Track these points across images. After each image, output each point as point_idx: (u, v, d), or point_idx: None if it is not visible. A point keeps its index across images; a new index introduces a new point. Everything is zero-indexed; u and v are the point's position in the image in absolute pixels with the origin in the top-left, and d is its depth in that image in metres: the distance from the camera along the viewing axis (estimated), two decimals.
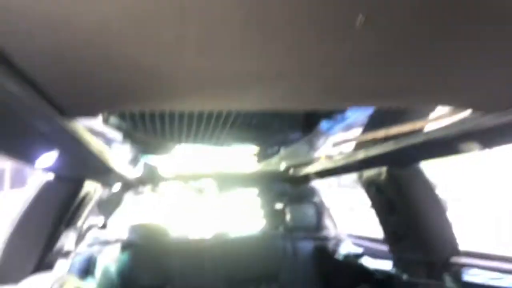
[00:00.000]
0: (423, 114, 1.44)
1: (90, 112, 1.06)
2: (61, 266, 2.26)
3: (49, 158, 1.32)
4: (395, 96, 1.07)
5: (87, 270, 2.05)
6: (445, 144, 1.56)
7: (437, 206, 2.15)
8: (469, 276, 1.83)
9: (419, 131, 1.57)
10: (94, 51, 0.68)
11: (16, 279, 1.47)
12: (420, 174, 2.10)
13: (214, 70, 0.74)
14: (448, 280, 1.91)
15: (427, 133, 1.54)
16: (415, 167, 2.07)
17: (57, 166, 1.55)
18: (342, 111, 1.64)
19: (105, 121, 1.36)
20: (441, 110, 1.36)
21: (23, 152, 1.22)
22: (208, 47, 0.64)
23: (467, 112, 1.30)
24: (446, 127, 1.43)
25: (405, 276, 2.15)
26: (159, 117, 1.52)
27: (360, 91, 0.98)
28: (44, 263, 1.92)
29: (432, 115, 1.42)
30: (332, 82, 0.86)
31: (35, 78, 0.79)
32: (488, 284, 1.69)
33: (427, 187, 2.12)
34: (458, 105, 1.21)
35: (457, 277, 1.88)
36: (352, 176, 2.72)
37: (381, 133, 1.57)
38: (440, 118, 1.38)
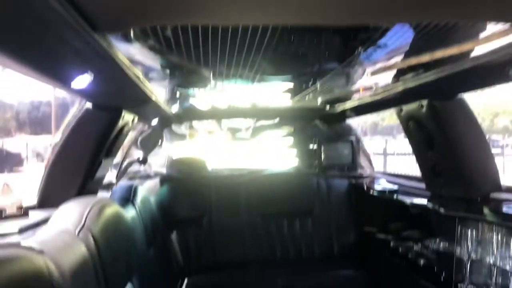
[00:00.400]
0: (471, 36, 1.34)
1: (121, 25, 1.04)
2: (102, 195, 2.36)
3: (85, 80, 1.33)
4: (442, 9, 0.99)
5: (127, 199, 2.11)
6: (495, 71, 1.46)
7: (480, 140, 2.07)
8: (510, 209, 1.78)
9: (466, 57, 1.47)
10: None
11: (59, 205, 1.53)
12: (463, 106, 2.00)
13: None
14: (487, 213, 1.86)
15: (475, 58, 1.45)
16: (459, 99, 1.98)
17: (94, 92, 1.57)
18: (380, 37, 1.55)
19: (138, 39, 1.34)
20: (492, 29, 1.26)
21: (59, 72, 1.22)
22: None
23: None
24: (496, 51, 1.34)
25: (442, 210, 2.11)
26: (193, 44, 1.49)
27: (403, 1, 0.91)
28: (85, 191, 2.00)
29: (483, 36, 1.32)
30: None
31: None
32: None
33: (470, 120, 2.03)
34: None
35: (497, 211, 1.83)
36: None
37: (425, 57, 1.48)
38: (491, 39, 1.29)
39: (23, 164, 21.51)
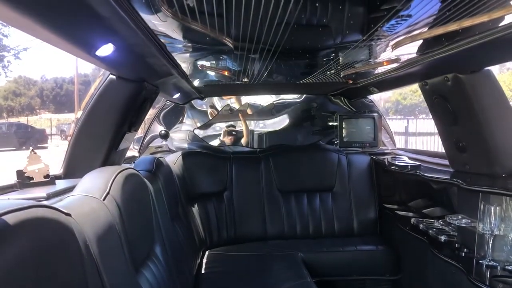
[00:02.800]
0: (502, 3, 1.29)
1: None
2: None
3: (108, 49, 1.34)
4: None
5: (149, 171, 2.15)
6: None
7: (506, 115, 2.02)
8: None
9: (495, 26, 1.43)
10: None
11: (84, 175, 1.56)
12: (490, 79, 1.95)
13: None
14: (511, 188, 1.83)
15: (504, 27, 1.40)
16: (485, 71, 1.93)
17: (118, 62, 1.58)
18: (405, 6, 1.51)
19: (163, 15, 1.34)
20: None
21: (82, 40, 1.23)
22: None
23: None
24: None
25: (465, 185, 2.08)
26: (217, 15, 1.48)
27: None
28: (109, 162, 2.04)
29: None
30: None
31: None
32: None
33: (497, 93, 1.98)
34: None
35: None
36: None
37: (453, 25, 1.44)
38: None
39: (47, 141, 21.99)
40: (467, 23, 1.39)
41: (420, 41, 1.83)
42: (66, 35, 1.13)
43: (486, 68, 1.92)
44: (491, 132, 2.02)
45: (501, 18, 1.38)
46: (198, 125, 4.44)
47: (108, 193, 1.35)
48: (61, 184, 1.66)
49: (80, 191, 1.33)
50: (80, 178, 1.48)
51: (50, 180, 1.64)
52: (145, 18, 1.35)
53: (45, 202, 1.42)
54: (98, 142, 1.95)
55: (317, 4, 1.55)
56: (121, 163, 2.31)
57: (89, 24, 1.11)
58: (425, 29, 1.69)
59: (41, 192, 1.47)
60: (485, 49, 1.59)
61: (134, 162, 2.92)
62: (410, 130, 19.19)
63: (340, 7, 1.61)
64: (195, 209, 3.14)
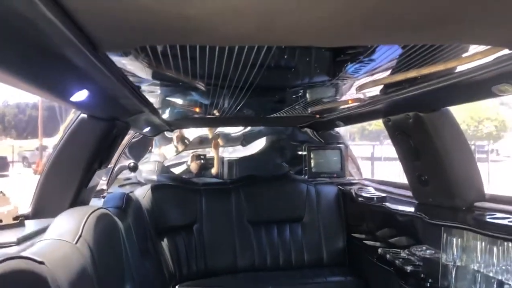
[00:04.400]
0: (456, 55, 1.40)
1: (123, 46, 1.08)
2: (95, 204, 2.38)
3: (82, 95, 1.36)
4: (428, 32, 1.04)
5: (119, 208, 2.14)
6: (478, 87, 1.53)
7: (465, 151, 2.14)
8: (493, 219, 1.84)
9: (451, 72, 1.54)
10: None
11: (54, 214, 1.55)
12: (449, 118, 2.07)
13: (240, 3, 0.74)
14: (471, 223, 1.93)
15: (459, 74, 1.51)
16: (444, 110, 2.04)
17: (90, 105, 1.60)
18: (369, 53, 1.60)
19: (137, 57, 1.38)
20: (476, 49, 1.32)
21: (57, 88, 1.25)
22: None
23: (502, 52, 1.27)
24: (480, 68, 1.40)
25: (428, 218, 2.18)
26: (191, 58, 1.53)
27: (392, 25, 0.97)
28: (79, 200, 2.02)
29: (466, 55, 1.38)
30: (369, 12, 0.84)
31: (70, 7, 0.80)
32: (510, 225, 1.70)
33: (455, 131, 2.10)
34: (494, 43, 1.17)
35: (480, 220, 1.89)
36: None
37: (412, 73, 1.54)
38: (474, 59, 1.35)
39: (9, 168, 21.27)
40: (425, 71, 1.49)
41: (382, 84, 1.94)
42: (42, 85, 1.15)
43: (445, 107, 2.04)
44: (451, 167, 2.12)
45: (455, 67, 1.48)
46: (166, 153, 4.44)
47: (80, 235, 1.35)
48: (30, 226, 1.64)
49: (52, 235, 1.32)
50: (50, 218, 1.47)
51: (19, 222, 1.62)
52: (119, 63, 1.38)
53: (16, 248, 1.41)
54: (68, 180, 1.94)
55: (286, 49, 1.62)
56: (90, 200, 2.29)
57: (65, 74, 1.14)
58: (387, 73, 1.79)
59: (10, 236, 1.45)
60: (442, 92, 1.70)
61: (102, 196, 2.89)
62: (377, 154, 19.64)
63: (307, 52, 1.69)
64: (165, 242, 3.11)
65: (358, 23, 0.93)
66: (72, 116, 1.95)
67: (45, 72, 1.09)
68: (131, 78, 1.62)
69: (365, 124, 27.12)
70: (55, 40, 0.91)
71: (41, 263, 1.00)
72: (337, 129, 3.80)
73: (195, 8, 0.79)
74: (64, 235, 1.31)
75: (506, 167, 19.78)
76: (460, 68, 1.50)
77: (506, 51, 1.24)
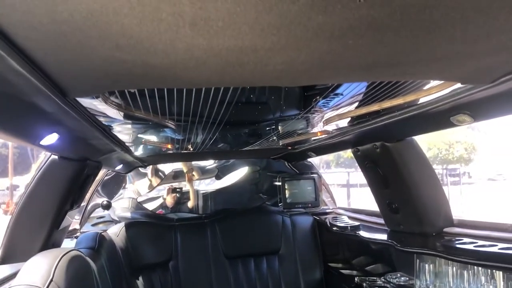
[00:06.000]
0: (415, 88, 1.48)
1: (92, 92, 1.11)
2: (67, 245, 2.34)
3: (52, 138, 1.37)
4: (384, 71, 1.11)
5: (92, 248, 2.11)
6: (437, 117, 1.61)
7: (431, 178, 2.21)
8: (461, 244, 1.90)
9: (412, 105, 1.61)
10: (94, 31, 0.71)
11: (24, 258, 1.53)
12: (414, 147, 2.15)
13: (208, 47, 0.78)
14: (441, 249, 1.98)
15: (419, 106, 1.59)
16: (409, 140, 2.12)
17: (61, 147, 1.60)
18: (336, 88, 1.67)
19: (106, 100, 1.40)
20: (432, 83, 1.40)
21: (26, 132, 1.26)
22: (202, 24, 0.68)
23: (457, 85, 1.35)
24: (437, 100, 1.48)
25: (400, 246, 2.22)
26: (159, 97, 1.56)
27: (353, 65, 1.02)
28: (50, 242, 1.99)
29: (424, 88, 1.46)
30: (326, 56, 0.90)
31: (38, 58, 0.83)
32: (479, 250, 1.76)
33: (421, 160, 2.18)
34: (447, 78, 1.25)
35: (449, 246, 1.95)
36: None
37: (374, 106, 1.61)
38: (432, 92, 1.42)
39: None
40: (386, 104, 1.56)
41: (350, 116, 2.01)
42: (11, 131, 1.16)
43: (409, 137, 2.12)
44: (419, 195, 2.19)
45: (416, 100, 1.56)
46: (140, 189, 4.40)
47: (51, 280, 1.33)
48: (0, 271, 1.61)
49: (21, 281, 1.30)
50: (21, 262, 1.44)
51: None
52: (88, 106, 1.40)
53: None
54: (39, 222, 1.91)
55: (255, 87, 1.68)
56: (62, 241, 2.25)
57: (34, 119, 1.15)
58: (353, 106, 1.87)
59: None
60: (405, 123, 1.77)
61: (75, 236, 2.84)
62: (352, 181, 19.85)
63: (277, 88, 1.75)
64: (140, 281, 3.05)
65: (317, 65, 0.98)
66: (43, 157, 1.94)
67: (14, 118, 1.10)
68: (101, 119, 1.64)
69: (341, 152, 27.50)
70: (24, 89, 0.93)
71: None
72: (310, 159, 3.86)
73: (159, 58, 0.83)
74: (34, 280, 1.29)
75: (478, 189, 20.25)
76: (420, 101, 1.58)
77: (459, 85, 1.32)
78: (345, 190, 18.21)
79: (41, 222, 1.91)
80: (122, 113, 1.67)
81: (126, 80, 1.00)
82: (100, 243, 2.20)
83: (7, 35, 0.72)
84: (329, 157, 28.74)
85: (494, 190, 18.99)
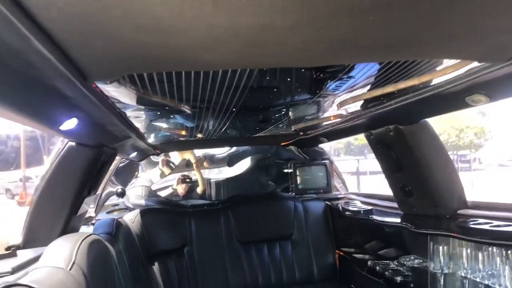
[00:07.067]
0: (429, 69, 1.47)
1: (111, 75, 1.12)
2: (85, 230, 2.38)
3: (71, 123, 1.40)
4: (401, 50, 1.11)
5: (109, 234, 2.15)
6: (452, 98, 1.60)
7: (445, 160, 2.21)
8: (476, 225, 1.90)
9: (426, 86, 1.61)
10: (117, 10, 0.73)
11: (45, 242, 1.56)
12: (427, 129, 2.14)
13: (228, 25, 0.79)
14: (455, 230, 1.98)
15: (434, 87, 1.58)
16: (422, 122, 2.12)
17: (79, 132, 1.63)
18: (348, 71, 1.67)
19: (125, 85, 1.42)
20: (447, 63, 1.40)
21: (47, 117, 1.28)
22: (224, 2, 0.69)
23: (473, 65, 1.34)
24: (453, 81, 1.48)
25: (414, 228, 2.23)
26: (176, 83, 1.57)
27: (367, 45, 1.03)
28: (69, 228, 2.03)
29: (439, 69, 1.46)
30: (345, 34, 0.90)
31: (61, 40, 0.84)
32: (494, 229, 1.76)
33: (435, 142, 2.18)
34: (464, 57, 1.24)
35: (464, 227, 1.95)
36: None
37: (389, 88, 1.61)
38: (447, 72, 1.42)
39: None
40: (401, 85, 1.56)
41: (362, 100, 2.00)
42: (33, 115, 1.18)
43: (423, 119, 2.11)
44: (433, 177, 2.19)
45: (430, 80, 1.56)
46: (153, 177, 4.44)
47: (74, 262, 1.36)
48: (23, 255, 1.65)
49: (46, 263, 1.34)
50: (41, 247, 1.48)
51: (11, 252, 1.62)
52: (107, 91, 1.42)
53: (11, 277, 1.42)
54: (58, 208, 1.95)
55: (267, 70, 1.68)
56: (80, 227, 2.29)
57: (55, 104, 1.17)
58: (366, 88, 1.86)
59: (4, 266, 1.46)
60: (419, 104, 1.77)
61: (91, 223, 2.89)
62: (362, 169, 19.80)
63: (288, 72, 1.75)
64: (156, 267, 3.10)
65: (336, 44, 0.99)
66: (59, 145, 1.97)
67: (36, 102, 1.12)
68: (118, 105, 1.66)
69: (351, 139, 27.44)
70: (46, 71, 0.95)
71: None
72: (321, 145, 3.87)
73: (178, 39, 0.84)
74: (58, 262, 1.33)
75: (489, 175, 20.12)
76: (434, 82, 1.58)
77: (476, 63, 1.32)
78: (355, 178, 18.17)
79: (60, 207, 1.94)
80: (138, 99, 1.69)
81: (145, 63, 1.01)
82: (117, 229, 2.23)
83: (31, 15, 0.73)
84: (339, 145, 28.67)
85: (505, 175, 18.84)
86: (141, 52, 0.94)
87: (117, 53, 0.94)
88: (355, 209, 3.09)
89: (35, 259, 1.45)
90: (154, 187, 4.32)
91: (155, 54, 0.95)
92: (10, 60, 0.84)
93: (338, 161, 3.96)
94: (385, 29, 0.90)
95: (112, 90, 1.44)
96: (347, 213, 3.17)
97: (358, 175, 18.62)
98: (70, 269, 1.32)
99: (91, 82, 1.12)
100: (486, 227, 1.81)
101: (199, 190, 4.31)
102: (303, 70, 1.71)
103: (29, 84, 1.00)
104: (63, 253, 1.40)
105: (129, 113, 1.94)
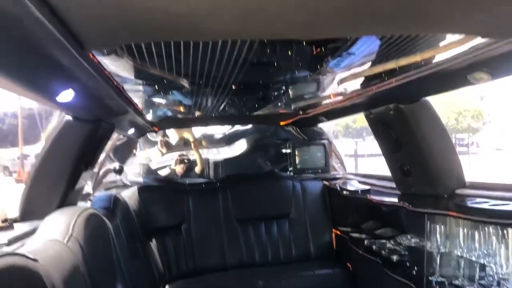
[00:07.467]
0: (432, 45, 1.45)
1: (108, 44, 1.10)
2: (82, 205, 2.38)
3: (68, 95, 1.38)
4: (404, 23, 1.09)
5: (107, 209, 2.15)
6: (454, 76, 1.59)
7: (444, 139, 2.20)
8: (474, 204, 1.90)
9: (428, 63, 1.59)
10: None
11: (42, 216, 1.55)
12: (427, 108, 2.13)
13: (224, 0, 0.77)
14: (453, 208, 1.98)
15: (436, 65, 1.56)
16: (423, 101, 2.10)
17: (76, 105, 1.61)
18: (349, 46, 1.65)
19: (122, 56, 1.39)
20: (450, 39, 1.37)
21: (44, 87, 1.26)
22: None
23: (476, 41, 1.32)
24: (455, 58, 1.46)
25: (411, 207, 2.23)
26: (174, 57, 1.55)
27: (370, 16, 1.00)
28: (66, 202, 2.02)
29: (442, 45, 1.44)
30: (351, 3, 0.88)
31: (58, 4, 0.82)
32: (492, 208, 1.76)
33: (435, 121, 2.16)
34: (467, 32, 1.22)
35: (461, 206, 1.95)
36: None
37: (391, 64, 1.59)
38: (449, 48, 1.40)
39: None
40: (403, 62, 1.54)
41: (363, 77, 1.98)
42: (28, 84, 1.16)
43: (424, 98, 2.10)
44: (432, 157, 2.18)
45: (432, 57, 1.54)
46: (151, 156, 4.44)
47: (71, 235, 1.36)
48: (20, 228, 1.65)
49: (43, 235, 1.33)
50: (38, 220, 1.47)
51: (8, 224, 1.62)
52: (104, 62, 1.40)
53: (7, 248, 1.41)
54: (55, 183, 1.94)
55: (267, 44, 1.66)
56: (77, 202, 2.29)
57: (51, 73, 1.15)
58: (367, 65, 1.84)
59: (0, 237, 1.45)
60: (421, 82, 1.75)
61: (89, 199, 2.89)
62: (360, 152, 19.86)
63: (288, 47, 1.72)
64: (153, 243, 3.12)
65: (337, 16, 0.96)
66: (56, 120, 1.95)
67: (31, 71, 1.10)
68: (116, 78, 1.64)
69: (350, 122, 27.43)
70: (42, 38, 0.92)
71: (34, 260, 1.01)
72: (320, 125, 3.85)
73: (179, 6, 0.82)
74: (54, 235, 1.32)
75: (486, 159, 20.19)
76: (436, 59, 1.56)
77: (478, 40, 1.30)
78: (353, 160, 18.22)
79: (57, 181, 1.94)
80: (137, 72, 1.67)
81: (144, 31, 0.99)
82: (114, 204, 2.23)
83: None
84: (337, 127, 28.67)
85: (502, 159, 18.92)
86: (139, 19, 0.92)
87: (114, 19, 0.92)
88: (353, 188, 3.09)
89: (32, 232, 1.44)
90: (152, 167, 4.31)
91: (154, 21, 0.93)
92: (2, 25, 0.82)
93: (336, 143, 3.96)
94: (386, 1, 0.88)
95: (109, 63, 1.42)
96: (344, 192, 3.17)
97: (356, 157, 18.66)
98: (67, 241, 1.32)
99: (87, 50, 1.10)
100: (484, 206, 1.81)
101: (197, 169, 4.31)
102: (303, 45, 1.69)
103: (23, 51, 0.98)
104: (60, 225, 1.40)
105: (127, 86, 1.92)
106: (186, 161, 4.28)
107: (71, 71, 1.18)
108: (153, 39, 1.19)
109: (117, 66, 1.51)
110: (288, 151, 3.69)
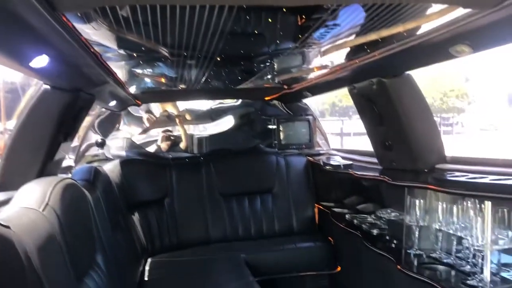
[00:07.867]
0: (414, 15, 1.43)
1: (82, 6, 1.06)
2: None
3: (42, 61, 1.34)
4: None
5: (87, 180, 2.12)
6: (436, 48, 1.58)
7: (426, 114, 2.21)
8: (452, 177, 1.92)
9: (411, 35, 1.58)
10: None
11: (19, 187, 1.53)
12: (410, 83, 2.13)
13: None
14: (432, 182, 2.01)
15: (418, 37, 1.55)
16: (406, 75, 2.10)
17: (52, 73, 1.57)
18: (334, 17, 1.62)
19: (97, 19, 1.35)
20: (432, 9, 1.36)
21: (15, 51, 1.22)
22: None
23: (458, 12, 1.31)
24: (437, 30, 1.45)
25: (391, 180, 2.25)
26: (152, 23, 1.51)
27: None
28: (45, 173, 1.99)
29: (424, 15, 1.42)
30: None
31: None
32: (470, 181, 1.78)
33: (417, 96, 2.17)
34: (449, 1, 1.21)
35: (441, 179, 1.98)
36: None
37: (373, 35, 1.57)
38: (432, 19, 1.39)
39: None
40: (385, 33, 1.52)
41: (347, 49, 1.96)
42: None
43: (407, 72, 2.09)
44: (413, 131, 2.19)
45: (416, 28, 1.52)
46: (135, 131, 4.39)
47: (47, 204, 1.34)
48: None
49: (17, 203, 1.31)
50: (15, 191, 1.45)
51: None
52: (79, 28, 1.35)
53: None
54: (33, 153, 1.90)
55: (251, 13, 1.63)
56: (57, 173, 2.26)
57: (21, 36, 1.11)
58: (352, 37, 1.82)
59: None
60: (404, 55, 1.74)
61: (70, 172, 2.85)
62: (346, 130, 19.98)
63: (273, 16, 1.69)
64: (136, 217, 3.11)
65: None
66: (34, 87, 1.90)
67: (1, 33, 1.06)
68: (94, 46, 1.59)
69: (336, 100, 27.48)
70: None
71: (6, 227, 0.99)
72: (305, 101, 3.84)
73: None
74: (30, 203, 1.30)
75: (470, 139, 20.48)
76: (419, 32, 1.54)
77: (460, 11, 1.29)
78: (339, 138, 18.32)
79: (35, 152, 1.90)
80: (114, 40, 1.63)
81: None
82: (95, 176, 2.21)
83: None
84: (324, 106, 28.73)
85: (485, 139, 19.22)
86: None
87: None
88: (336, 163, 3.11)
89: (8, 201, 1.42)
90: (139, 141, 4.28)
91: None
92: None
93: (322, 121, 3.98)
94: None
95: (85, 27, 1.38)
96: (327, 167, 3.19)
97: (342, 135, 18.76)
98: (43, 210, 1.30)
99: (59, 13, 1.06)
100: (462, 179, 1.83)
101: (182, 145, 4.28)
102: (288, 14, 1.66)
103: None
104: (35, 194, 1.38)
105: (106, 56, 1.87)
106: (172, 138, 4.25)
107: (44, 34, 1.14)
108: (127, 2, 1.16)
109: (94, 32, 1.47)
110: (273, 127, 3.69)
